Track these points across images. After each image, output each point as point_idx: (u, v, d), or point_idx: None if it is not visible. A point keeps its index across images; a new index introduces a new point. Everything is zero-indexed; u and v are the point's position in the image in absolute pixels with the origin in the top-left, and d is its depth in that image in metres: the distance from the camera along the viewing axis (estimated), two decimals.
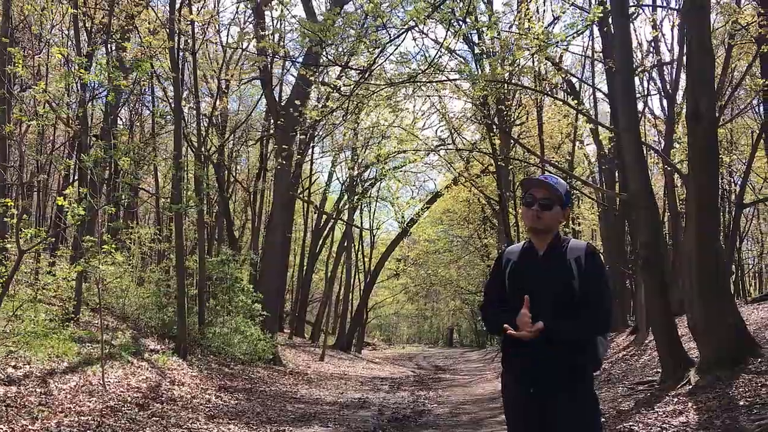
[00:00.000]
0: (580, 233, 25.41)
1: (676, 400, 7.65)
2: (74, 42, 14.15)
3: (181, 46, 14.30)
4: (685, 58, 10.06)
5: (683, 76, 10.66)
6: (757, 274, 30.60)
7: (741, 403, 6.78)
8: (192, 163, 17.90)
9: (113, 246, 8.99)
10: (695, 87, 8.49)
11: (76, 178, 17.85)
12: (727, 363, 7.94)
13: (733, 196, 21.03)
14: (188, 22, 13.81)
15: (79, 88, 11.35)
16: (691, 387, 7.84)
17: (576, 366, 2.92)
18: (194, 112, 16.83)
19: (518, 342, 2.89)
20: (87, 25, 15.67)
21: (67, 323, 10.36)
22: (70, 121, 15.46)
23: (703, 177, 8.38)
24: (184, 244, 15.19)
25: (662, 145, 15.40)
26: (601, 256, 3.05)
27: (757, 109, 19.41)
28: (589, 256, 2.97)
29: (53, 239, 15.84)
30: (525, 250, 3.14)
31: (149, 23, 15.97)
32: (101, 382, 8.16)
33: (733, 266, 21.46)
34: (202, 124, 16.37)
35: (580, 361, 2.94)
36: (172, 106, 13.61)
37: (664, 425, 6.71)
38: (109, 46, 16.44)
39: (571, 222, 22.83)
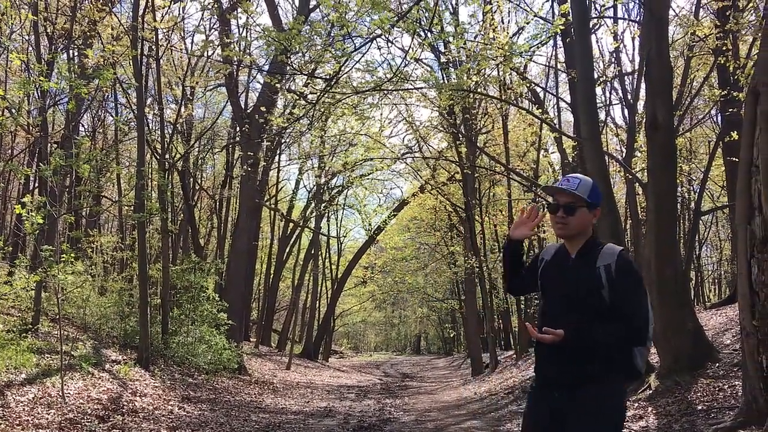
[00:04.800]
0: (545, 240, 25.68)
1: (636, 404, 7.77)
2: (34, 48, 13.90)
3: (144, 53, 14.15)
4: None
5: (643, 85, 10.87)
6: (716, 280, 31.24)
7: (699, 407, 6.92)
8: (156, 171, 17.69)
9: (72, 255, 8.83)
10: (654, 97, 8.68)
11: (36, 185, 17.52)
12: (686, 368, 8.10)
13: (692, 204, 21.45)
14: (152, 29, 13.66)
15: (39, 95, 11.13)
16: (651, 392, 7.98)
17: (599, 375, 2.85)
18: (158, 119, 16.64)
19: (546, 347, 2.91)
20: (48, 30, 15.41)
21: (26, 334, 10.14)
22: (31, 128, 15.18)
23: (662, 185, 8.56)
24: (148, 252, 14.99)
25: (624, 154, 15.66)
26: (633, 260, 2.92)
27: (715, 119, 19.88)
28: (620, 265, 2.88)
29: (11, 248, 15.51)
30: (558, 252, 3.13)
31: (112, 29, 15.76)
32: (60, 393, 8.00)
33: (693, 272, 21.90)
34: (166, 131, 16.19)
35: (604, 371, 2.86)
36: (136, 113, 13.45)
37: (624, 430, 6.80)
38: (70, 52, 16.19)
39: (536, 227, 23.04)
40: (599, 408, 2.84)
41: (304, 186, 32.91)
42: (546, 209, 3.10)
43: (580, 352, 2.86)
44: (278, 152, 26.83)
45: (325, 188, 29.05)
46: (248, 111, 18.27)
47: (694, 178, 21.81)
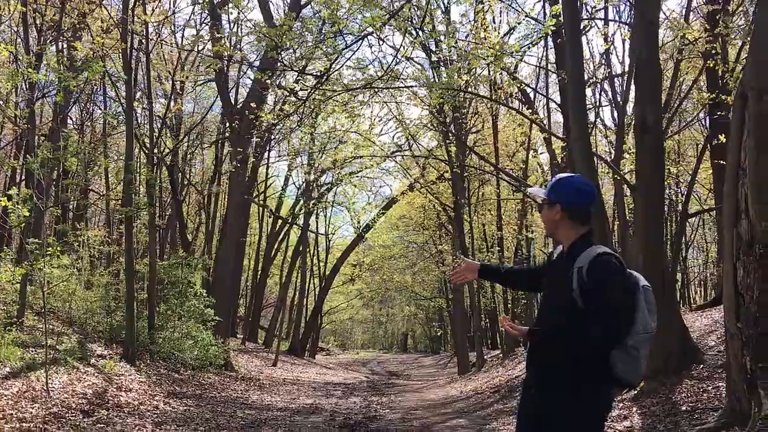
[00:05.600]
0: (533, 240, 25.77)
1: (621, 405, 7.81)
2: (23, 39, 13.78)
3: (134, 46, 14.06)
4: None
5: (633, 87, 10.92)
6: (702, 282, 31.45)
7: (683, 408, 6.97)
8: (144, 166, 17.60)
9: (59, 248, 8.76)
10: (643, 100, 8.72)
11: (23, 178, 17.38)
12: (671, 369, 8.15)
13: (679, 206, 21.59)
14: (142, 23, 13.58)
15: (27, 87, 11.04)
16: (635, 392, 8.02)
17: (568, 379, 2.84)
18: (147, 113, 16.55)
19: (529, 346, 3.05)
20: (37, 22, 15.28)
21: (10, 327, 10.06)
22: (18, 120, 15.06)
23: (650, 187, 8.60)
24: (135, 246, 14.91)
25: (613, 155, 15.72)
26: (611, 264, 2.86)
27: (703, 122, 20.01)
28: (589, 268, 2.82)
29: None
30: (560, 251, 3.16)
31: (102, 21, 15.65)
32: (45, 387, 7.95)
33: (679, 274, 22.04)
34: (155, 126, 16.10)
35: (573, 375, 2.84)
36: (124, 107, 13.37)
37: (609, 430, 6.85)
38: (59, 44, 16.07)
39: (525, 229, 23.16)
40: (564, 413, 2.84)
41: (293, 183, 32.87)
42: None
43: (550, 354, 2.89)
44: (268, 148, 26.77)
45: (314, 185, 28.99)
46: (238, 107, 18.21)
47: (681, 180, 21.94)
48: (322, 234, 35.00)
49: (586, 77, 12.41)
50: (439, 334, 47.34)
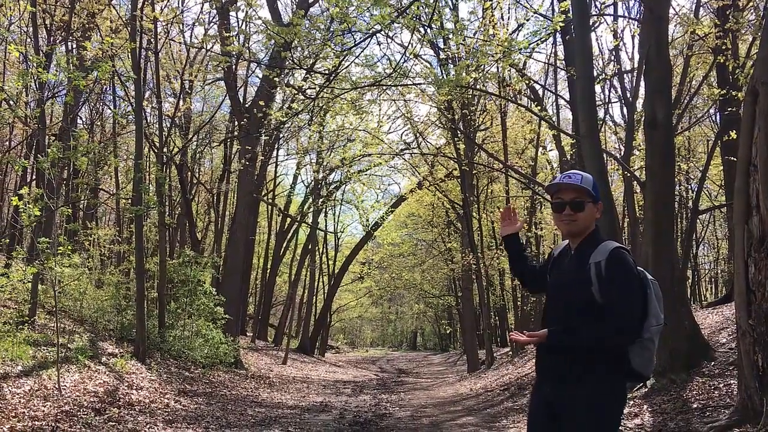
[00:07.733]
0: (542, 238, 25.70)
1: (631, 402, 7.78)
2: (33, 40, 13.86)
3: (143, 46, 14.10)
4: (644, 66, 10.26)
5: (643, 84, 10.87)
6: (713, 279, 31.29)
7: (694, 405, 6.94)
8: (154, 165, 17.67)
9: (69, 248, 8.80)
10: (653, 96, 8.68)
11: (33, 177, 17.49)
12: (681, 366, 8.11)
13: (690, 203, 21.46)
14: (151, 20, 13.62)
15: (37, 87, 11.10)
16: (646, 390, 8.00)
17: (587, 373, 2.81)
18: (156, 112, 16.60)
19: (542, 344, 2.93)
20: (47, 22, 15.36)
21: (22, 326, 10.13)
22: (28, 120, 15.15)
23: (660, 183, 8.56)
24: (145, 245, 14.96)
25: (622, 152, 15.65)
26: (629, 258, 2.84)
27: (713, 118, 19.89)
28: (611, 262, 2.80)
29: (8, 240, 15.49)
30: (564, 249, 3.10)
31: (111, 21, 15.71)
32: (56, 386, 7.99)
33: (689, 271, 21.93)
34: (164, 125, 16.15)
35: (592, 369, 2.81)
36: (134, 106, 13.41)
37: (620, 427, 6.82)
38: (69, 44, 16.14)
39: (534, 226, 23.11)
40: (585, 407, 2.81)
41: (302, 181, 32.89)
42: (552, 208, 3.07)
43: (569, 351, 2.84)
44: (276, 147, 26.81)
45: (323, 183, 29.01)
46: (247, 105, 18.24)
47: (692, 176, 21.82)
48: (330, 232, 35.06)
49: (595, 73, 12.37)
50: (448, 331, 47.33)
